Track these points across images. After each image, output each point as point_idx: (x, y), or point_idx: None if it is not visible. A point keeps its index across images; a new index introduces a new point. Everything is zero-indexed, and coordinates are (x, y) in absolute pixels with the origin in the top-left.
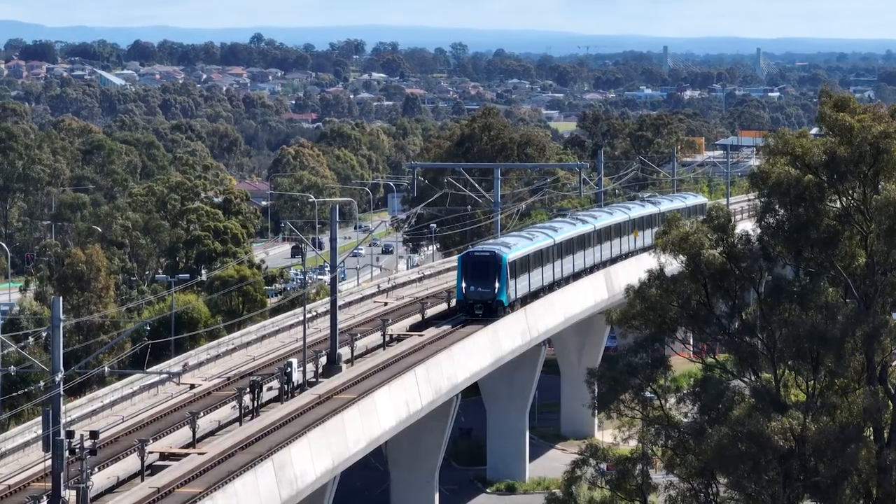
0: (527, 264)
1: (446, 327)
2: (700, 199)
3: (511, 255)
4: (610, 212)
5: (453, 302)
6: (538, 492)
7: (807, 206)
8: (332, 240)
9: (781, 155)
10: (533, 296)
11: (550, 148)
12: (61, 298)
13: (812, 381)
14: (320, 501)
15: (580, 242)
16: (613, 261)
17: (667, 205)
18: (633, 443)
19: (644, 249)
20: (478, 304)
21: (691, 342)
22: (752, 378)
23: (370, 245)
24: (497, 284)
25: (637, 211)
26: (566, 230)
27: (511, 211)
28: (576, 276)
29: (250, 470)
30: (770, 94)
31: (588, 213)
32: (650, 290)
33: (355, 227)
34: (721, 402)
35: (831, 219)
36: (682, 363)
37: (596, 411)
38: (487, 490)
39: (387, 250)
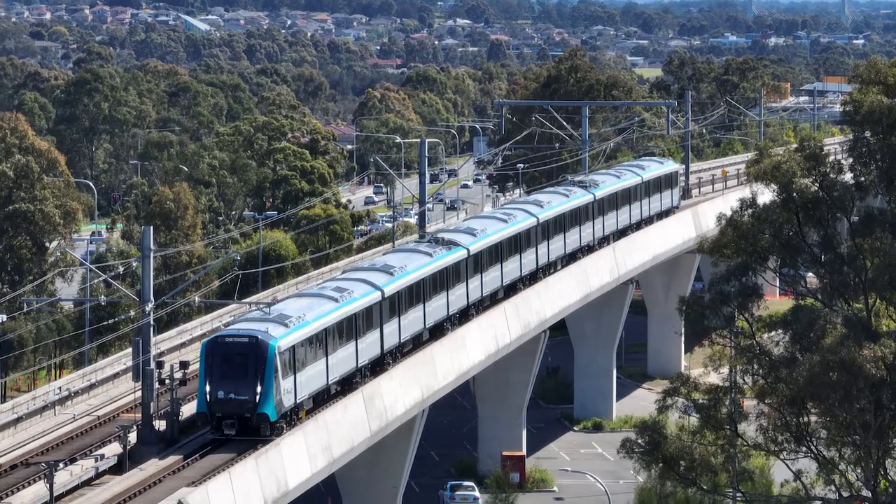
0: (321, 343)
1: None
2: (667, 167)
3: (287, 337)
4: (505, 217)
5: None
6: (625, 430)
7: None
8: (421, 174)
9: (873, 84)
10: (345, 382)
11: (637, 91)
12: (151, 228)
13: None
14: (409, 433)
15: (438, 281)
16: (510, 289)
17: (609, 186)
18: (723, 372)
19: (569, 257)
20: (228, 420)
21: (778, 284)
22: (844, 307)
23: (434, 197)
24: (259, 388)
25: (555, 207)
26: (413, 265)
27: (598, 150)
28: (433, 329)
29: (340, 401)
30: (855, 41)
31: (466, 222)
32: (742, 218)
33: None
34: (813, 330)
35: None
36: (772, 304)
37: (684, 341)
38: (575, 428)
39: (453, 206)
